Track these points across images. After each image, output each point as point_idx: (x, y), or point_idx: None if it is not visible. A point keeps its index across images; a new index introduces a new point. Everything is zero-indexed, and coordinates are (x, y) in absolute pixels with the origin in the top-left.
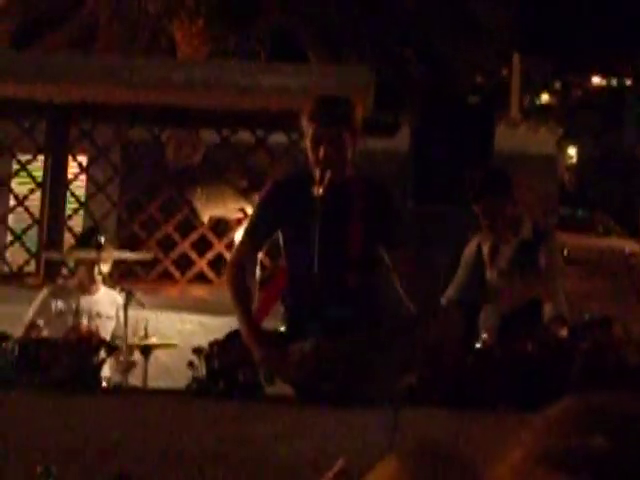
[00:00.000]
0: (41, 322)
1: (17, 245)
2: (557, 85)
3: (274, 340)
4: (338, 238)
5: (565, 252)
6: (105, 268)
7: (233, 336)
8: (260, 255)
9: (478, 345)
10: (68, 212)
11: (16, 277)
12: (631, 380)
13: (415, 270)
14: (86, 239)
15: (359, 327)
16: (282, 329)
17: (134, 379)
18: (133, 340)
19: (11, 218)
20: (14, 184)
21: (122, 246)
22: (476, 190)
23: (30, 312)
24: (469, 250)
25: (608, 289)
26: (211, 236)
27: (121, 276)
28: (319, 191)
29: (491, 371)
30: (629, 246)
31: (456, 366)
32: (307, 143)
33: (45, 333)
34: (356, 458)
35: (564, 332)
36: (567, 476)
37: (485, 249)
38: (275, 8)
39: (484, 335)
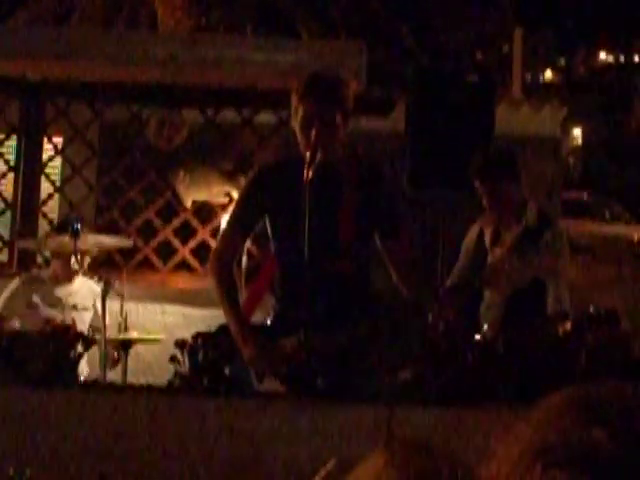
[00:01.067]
0: (9, 313)
1: None
2: (561, 61)
3: (263, 335)
4: (329, 224)
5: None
6: (87, 259)
7: (222, 331)
8: (247, 243)
9: (478, 337)
10: (43, 197)
11: None
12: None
13: (411, 257)
14: (62, 226)
15: (351, 319)
16: (270, 321)
17: (113, 374)
18: (112, 333)
19: None
20: None
21: (100, 232)
22: (480, 171)
23: None
24: (470, 237)
25: (615, 278)
26: (195, 222)
27: (99, 265)
28: (309, 174)
29: (492, 367)
30: (638, 233)
31: (454, 361)
32: (297, 124)
33: (15, 325)
34: (349, 457)
35: (567, 327)
36: (567, 472)
37: (487, 235)
38: None
39: (485, 326)
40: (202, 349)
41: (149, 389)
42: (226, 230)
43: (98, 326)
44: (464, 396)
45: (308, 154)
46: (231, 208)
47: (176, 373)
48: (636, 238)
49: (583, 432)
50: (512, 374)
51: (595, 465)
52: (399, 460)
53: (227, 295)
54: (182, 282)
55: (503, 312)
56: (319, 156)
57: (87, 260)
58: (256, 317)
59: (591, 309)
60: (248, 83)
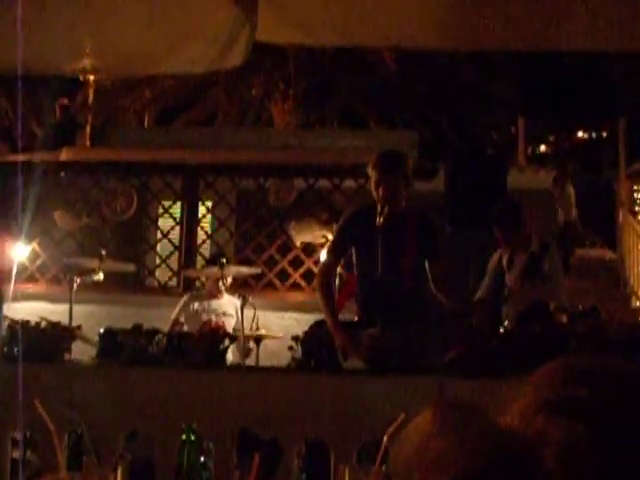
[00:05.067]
0: (182, 319)
1: (163, 266)
2: (551, 138)
3: (350, 329)
4: (396, 255)
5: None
6: (228, 280)
7: (316, 325)
8: (338, 268)
9: (501, 330)
10: (199, 241)
11: (163, 289)
12: (614, 351)
13: (446, 277)
14: (213, 260)
15: (411, 318)
16: (355, 319)
17: (249, 360)
18: (248, 332)
19: (159, 247)
20: (160, 222)
21: (238, 264)
22: (496, 217)
23: (175, 312)
24: (493, 261)
25: (595, 286)
26: (302, 256)
27: (238, 286)
28: (380, 221)
29: (511, 350)
30: (609, 255)
31: (484, 346)
32: (371, 185)
33: (185, 328)
34: (411, 414)
35: (564, 318)
36: (564, 420)
37: (504, 260)
38: (344, 90)
39: (506, 323)
40: (309, 341)
41: (274, 370)
42: (326, 257)
43: (239, 327)
44: (491, 371)
45: (379, 207)
46: (327, 246)
47: (292, 358)
48: (607, 257)
49: (572, 390)
50: (525, 353)
51: (583, 415)
52: (440, 414)
53: (327, 300)
54: (295, 297)
55: (518, 315)
56: (386, 209)
57: (230, 283)
58: (344, 317)
59: (580, 307)
60: (336, 160)
